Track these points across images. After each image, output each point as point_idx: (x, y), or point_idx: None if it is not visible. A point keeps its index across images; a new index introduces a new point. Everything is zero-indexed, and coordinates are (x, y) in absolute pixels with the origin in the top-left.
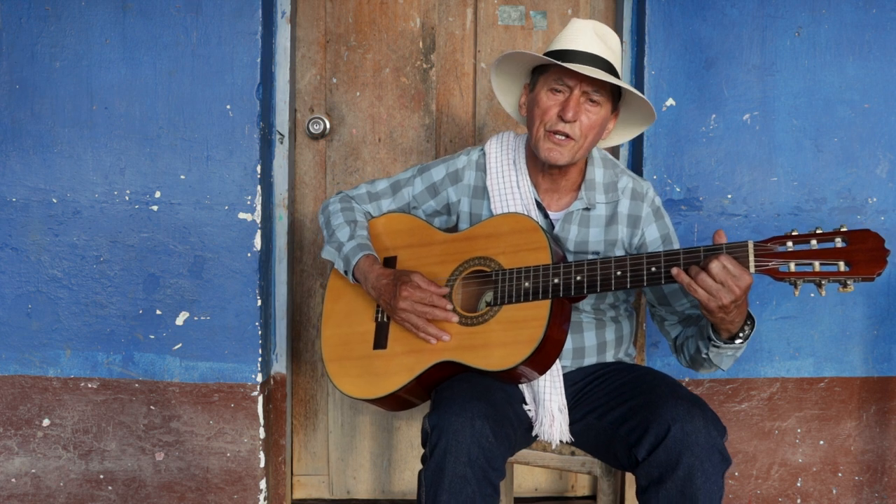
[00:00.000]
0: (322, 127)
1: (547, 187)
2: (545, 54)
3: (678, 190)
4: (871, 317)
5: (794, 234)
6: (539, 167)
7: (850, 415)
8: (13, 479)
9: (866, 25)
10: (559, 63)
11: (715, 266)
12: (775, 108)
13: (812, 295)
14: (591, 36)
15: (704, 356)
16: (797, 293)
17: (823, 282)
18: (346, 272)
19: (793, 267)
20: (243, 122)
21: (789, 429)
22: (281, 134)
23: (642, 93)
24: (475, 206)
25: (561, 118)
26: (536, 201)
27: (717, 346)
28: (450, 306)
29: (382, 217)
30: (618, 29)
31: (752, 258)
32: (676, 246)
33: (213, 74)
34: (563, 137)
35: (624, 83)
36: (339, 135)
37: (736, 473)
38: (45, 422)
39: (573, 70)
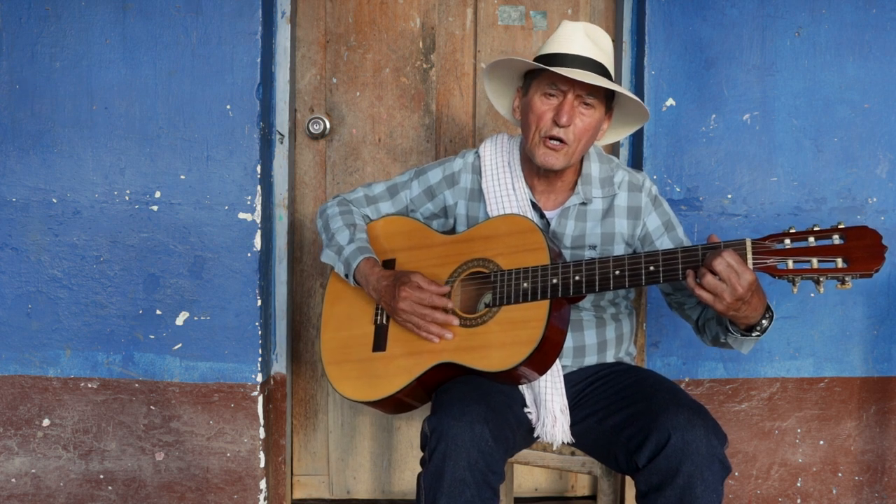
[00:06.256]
0: (322, 127)
1: (542, 189)
2: (537, 57)
3: (678, 190)
4: (871, 317)
5: (791, 231)
6: (535, 170)
7: (850, 415)
8: (13, 479)
9: (866, 25)
10: (552, 69)
11: (719, 263)
12: (775, 108)
13: (812, 295)
14: (582, 38)
15: (723, 341)
16: (795, 290)
17: (822, 279)
18: (346, 275)
19: (791, 264)
20: (243, 122)
21: (789, 429)
22: (281, 134)
23: (642, 93)
24: (472, 209)
25: (556, 123)
26: (532, 202)
27: (735, 335)
28: (450, 305)
29: (381, 220)
30: (618, 29)
31: (750, 256)
32: (679, 228)
33: (213, 74)
34: (558, 143)
35: (617, 86)
36: (339, 135)
37: (736, 473)
38: (45, 422)
39: (566, 75)
